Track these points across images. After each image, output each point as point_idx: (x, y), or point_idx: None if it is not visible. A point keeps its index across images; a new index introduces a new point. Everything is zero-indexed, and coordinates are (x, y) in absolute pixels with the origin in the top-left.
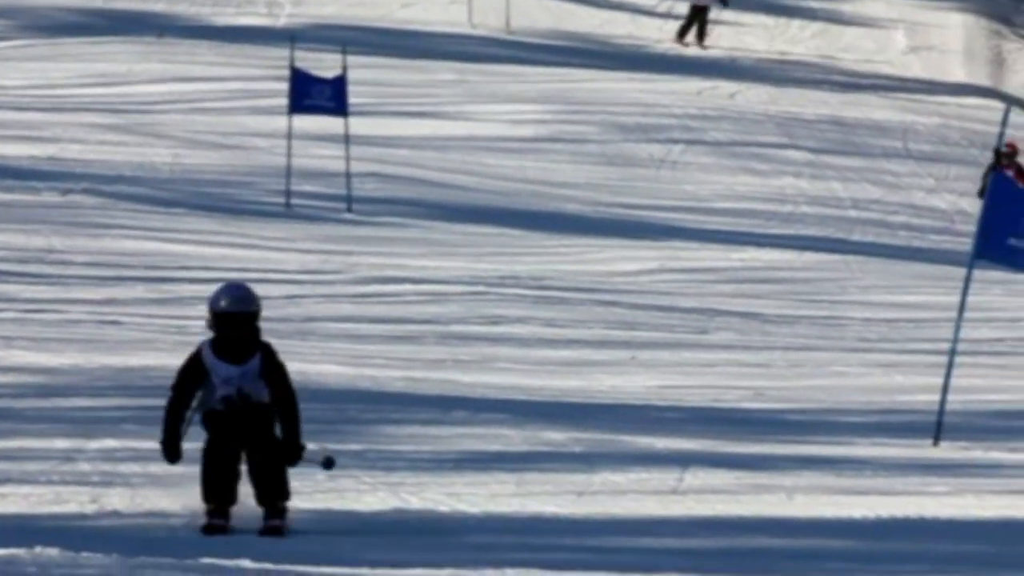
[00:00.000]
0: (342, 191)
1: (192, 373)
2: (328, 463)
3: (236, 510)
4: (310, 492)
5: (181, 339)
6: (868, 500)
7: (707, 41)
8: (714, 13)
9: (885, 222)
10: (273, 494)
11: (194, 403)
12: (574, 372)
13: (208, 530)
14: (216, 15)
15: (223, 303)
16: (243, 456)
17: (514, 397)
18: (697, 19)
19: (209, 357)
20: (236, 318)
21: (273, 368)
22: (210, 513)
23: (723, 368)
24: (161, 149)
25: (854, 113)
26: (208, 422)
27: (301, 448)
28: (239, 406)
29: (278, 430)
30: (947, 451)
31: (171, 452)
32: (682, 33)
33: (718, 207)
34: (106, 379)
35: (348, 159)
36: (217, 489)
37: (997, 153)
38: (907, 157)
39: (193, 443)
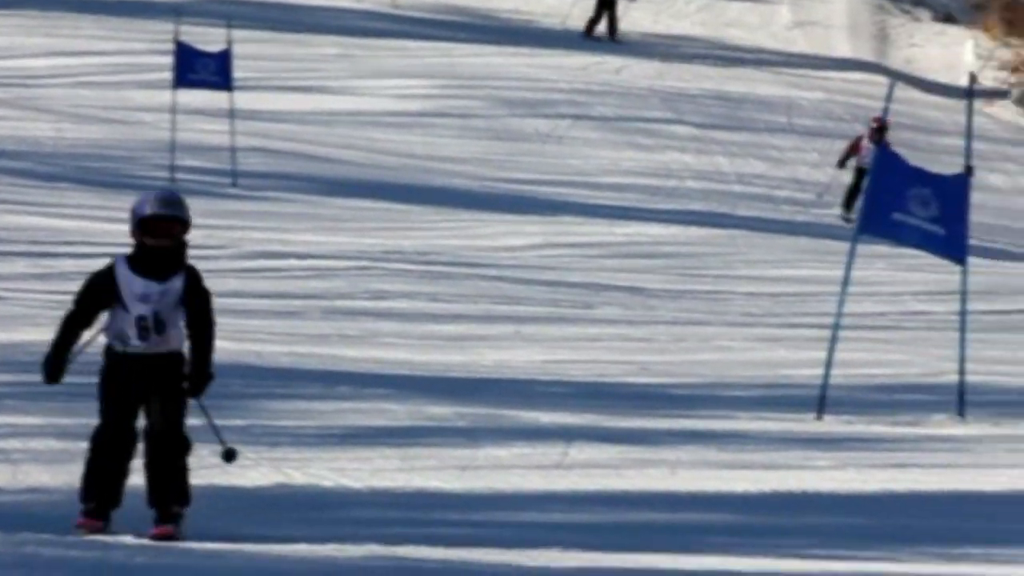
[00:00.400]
0: (227, 166)
1: (99, 286)
2: (229, 455)
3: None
4: (194, 468)
5: (63, 314)
6: (751, 474)
7: (617, 35)
8: (623, 7)
9: (769, 197)
10: (169, 494)
11: (99, 328)
12: (459, 347)
13: (82, 528)
14: None
15: (151, 207)
16: (135, 453)
17: (399, 372)
18: (606, 12)
19: (124, 272)
20: (165, 224)
21: (198, 292)
22: (87, 513)
23: (608, 343)
24: (44, 123)
25: (739, 88)
26: (108, 378)
27: (210, 377)
28: (152, 332)
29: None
30: (830, 425)
31: (54, 368)
32: (590, 27)
33: (604, 182)
34: None
35: (233, 134)
36: (101, 484)
37: (880, 127)
38: (791, 132)
39: (77, 419)
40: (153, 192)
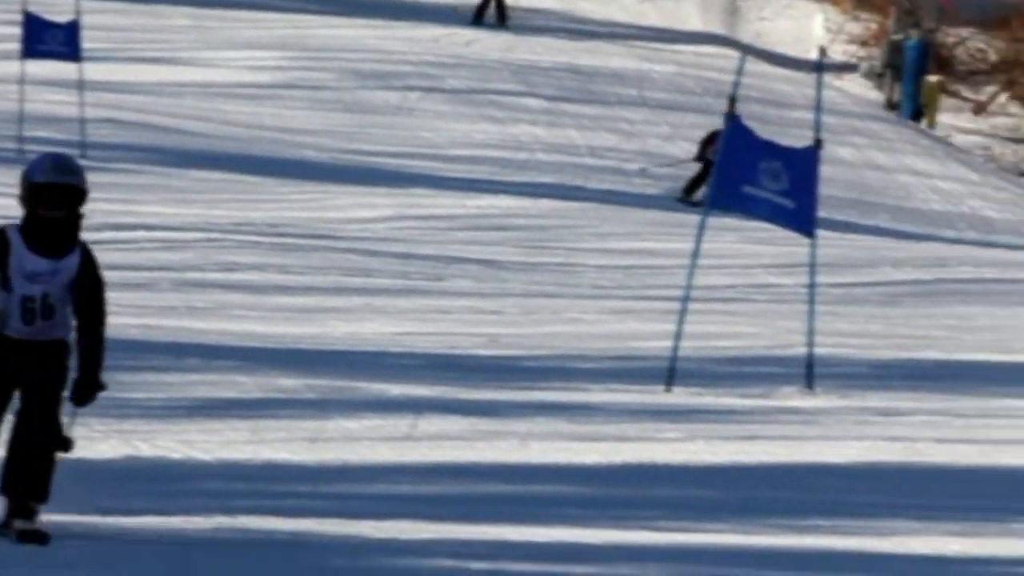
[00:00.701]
0: (76, 137)
1: None
2: (65, 445)
3: None
4: None
5: None
6: (601, 446)
7: (508, 20)
8: None
9: (621, 169)
10: (30, 487)
11: None
12: (309, 319)
13: None
14: None
15: (45, 173)
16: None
17: (249, 344)
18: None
19: (17, 243)
20: (61, 192)
21: (92, 277)
22: None
23: (458, 315)
24: None
25: (591, 61)
26: None
27: (99, 386)
28: (39, 317)
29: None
30: (679, 397)
31: None
32: (479, 15)
33: (455, 154)
34: None
35: (82, 105)
36: None
37: (731, 102)
38: (642, 105)
39: None
40: (48, 156)
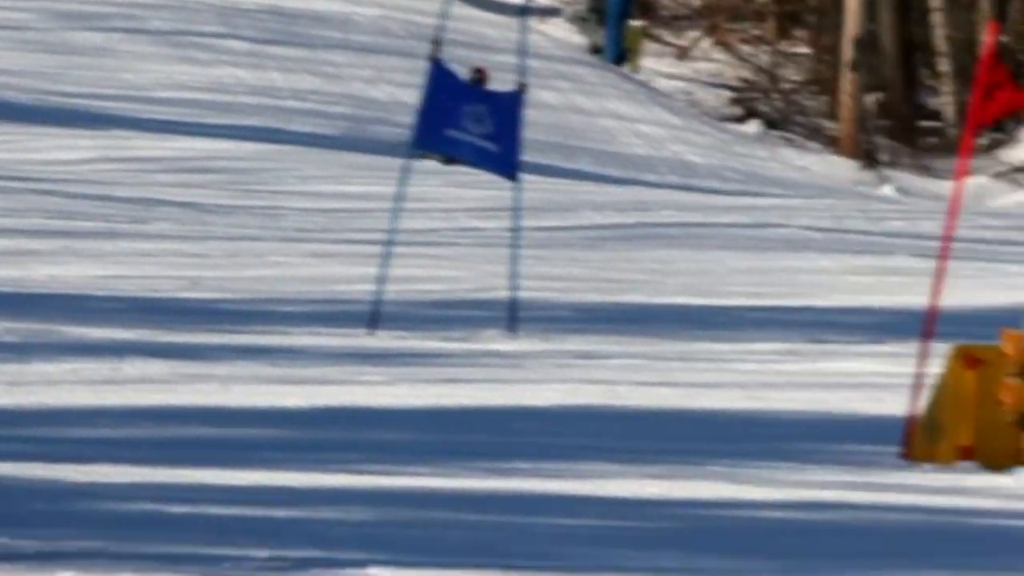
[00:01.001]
0: None
1: None
2: None
3: None
4: None
5: None
6: (303, 389)
7: None
8: None
9: (323, 112)
10: None
11: None
12: (9, 262)
13: None
14: None
15: None
16: None
17: None
18: None
19: None
20: None
21: None
22: None
23: (161, 258)
24: None
25: (294, 3)
26: None
27: None
28: None
29: None
30: (382, 340)
31: None
32: None
33: (157, 96)
34: None
35: None
36: None
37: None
38: (347, 48)
39: None
40: None
